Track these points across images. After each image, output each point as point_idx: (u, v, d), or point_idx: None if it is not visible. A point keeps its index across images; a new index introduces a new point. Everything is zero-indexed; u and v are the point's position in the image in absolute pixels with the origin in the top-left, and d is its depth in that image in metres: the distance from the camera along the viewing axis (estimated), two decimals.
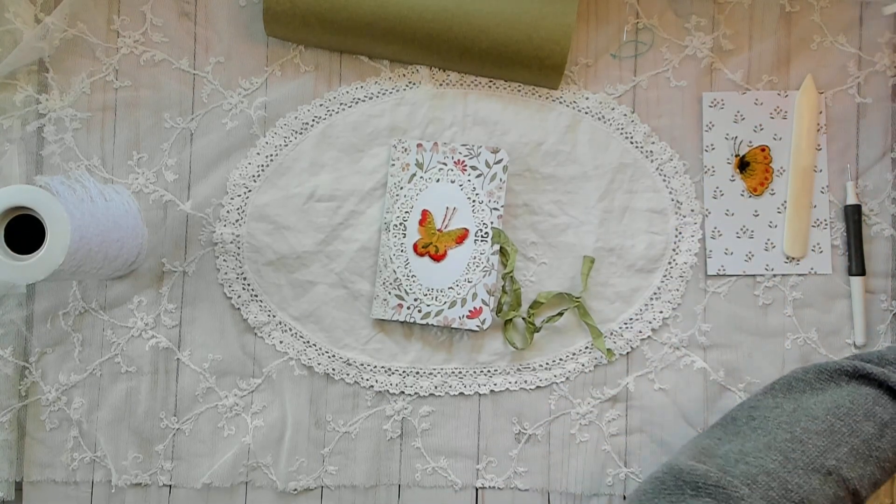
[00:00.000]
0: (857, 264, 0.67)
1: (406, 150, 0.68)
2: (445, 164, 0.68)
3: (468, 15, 0.65)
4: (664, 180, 0.69)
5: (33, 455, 0.69)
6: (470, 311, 0.67)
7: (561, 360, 0.68)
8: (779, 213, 0.68)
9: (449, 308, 0.67)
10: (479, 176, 0.68)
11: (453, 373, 0.68)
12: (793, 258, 0.68)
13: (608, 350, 0.67)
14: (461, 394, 0.68)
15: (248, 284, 0.69)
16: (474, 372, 0.68)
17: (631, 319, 0.68)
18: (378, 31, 0.66)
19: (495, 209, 0.67)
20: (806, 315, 0.68)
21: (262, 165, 0.69)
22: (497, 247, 0.67)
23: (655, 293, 0.68)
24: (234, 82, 0.69)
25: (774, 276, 0.68)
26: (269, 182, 0.69)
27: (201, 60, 0.70)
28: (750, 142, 0.69)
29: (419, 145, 0.68)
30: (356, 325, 0.69)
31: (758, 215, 0.68)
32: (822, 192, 0.68)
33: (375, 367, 0.68)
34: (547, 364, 0.68)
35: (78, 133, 0.69)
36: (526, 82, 0.69)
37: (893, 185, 0.68)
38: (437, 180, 0.68)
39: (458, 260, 0.67)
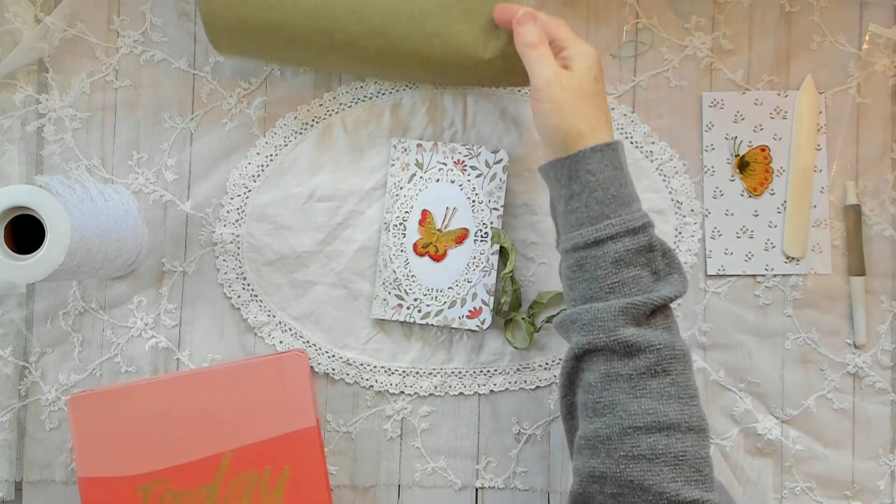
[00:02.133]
0: (857, 264, 0.67)
1: (406, 150, 0.68)
2: (445, 164, 0.68)
3: (403, 20, 0.60)
4: (664, 180, 0.69)
5: (33, 455, 0.69)
6: (470, 311, 0.67)
7: (561, 360, 0.68)
8: (779, 213, 0.68)
9: (449, 308, 0.67)
10: (479, 176, 0.68)
11: (453, 373, 0.68)
12: (793, 258, 0.68)
13: None
14: (461, 394, 0.68)
15: (248, 284, 0.69)
16: (474, 372, 0.68)
17: None
18: (325, 47, 0.61)
19: (495, 209, 0.67)
20: (806, 315, 0.68)
21: (262, 165, 0.69)
22: (497, 247, 0.67)
23: None
24: (233, 82, 0.69)
25: (774, 276, 0.68)
26: (268, 182, 0.69)
27: (201, 60, 0.70)
28: (750, 142, 0.69)
29: (419, 145, 0.68)
30: (356, 325, 0.69)
31: (758, 215, 0.68)
32: (822, 192, 0.68)
33: (375, 367, 0.68)
34: (547, 364, 0.68)
35: (78, 133, 0.69)
36: (494, 84, 0.65)
37: (893, 185, 0.68)
38: (437, 180, 0.68)
39: (458, 260, 0.67)
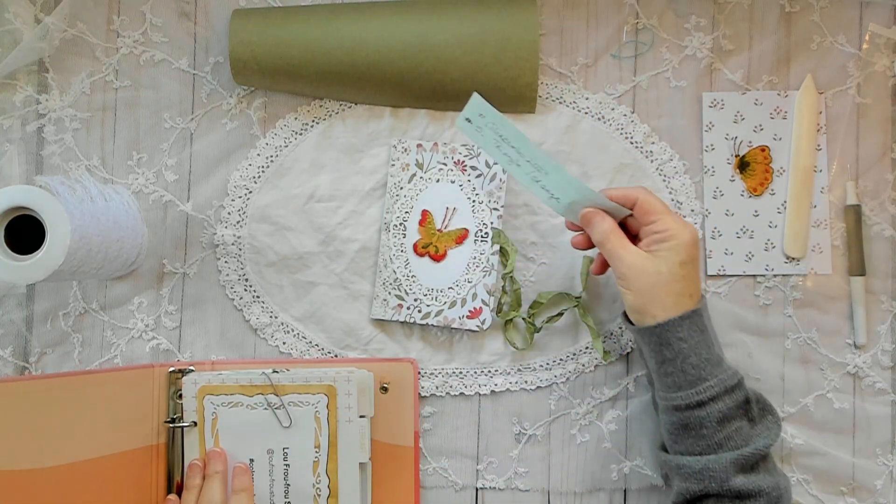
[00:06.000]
0: (857, 264, 0.67)
1: (406, 150, 0.68)
2: (445, 165, 0.68)
3: (434, 48, 0.65)
4: (664, 180, 0.69)
5: None
6: (470, 311, 0.67)
7: (561, 360, 0.68)
8: (779, 213, 0.68)
9: (449, 308, 0.67)
10: (479, 176, 0.68)
11: (454, 373, 0.68)
12: (793, 258, 0.68)
13: (605, 352, 0.67)
14: (462, 394, 0.68)
15: (250, 286, 0.69)
16: (475, 372, 0.68)
17: None
18: (348, 79, 0.66)
19: (495, 209, 0.67)
20: (806, 315, 0.68)
21: (263, 166, 0.69)
22: (497, 247, 0.67)
23: None
24: (233, 82, 0.69)
25: (774, 276, 0.68)
26: (269, 183, 0.69)
27: (201, 60, 0.70)
28: (750, 142, 0.69)
29: (419, 145, 0.68)
30: (356, 325, 0.69)
31: (758, 215, 0.69)
32: (822, 192, 0.68)
33: None
34: (547, 364, 0.68)
35: (78, 133, 0.69)
36: (501, 109, 0.68)
37: (893, 185, 0.68)
38: (437, 180, 0.68)
39: (458, 260, 0.67)
